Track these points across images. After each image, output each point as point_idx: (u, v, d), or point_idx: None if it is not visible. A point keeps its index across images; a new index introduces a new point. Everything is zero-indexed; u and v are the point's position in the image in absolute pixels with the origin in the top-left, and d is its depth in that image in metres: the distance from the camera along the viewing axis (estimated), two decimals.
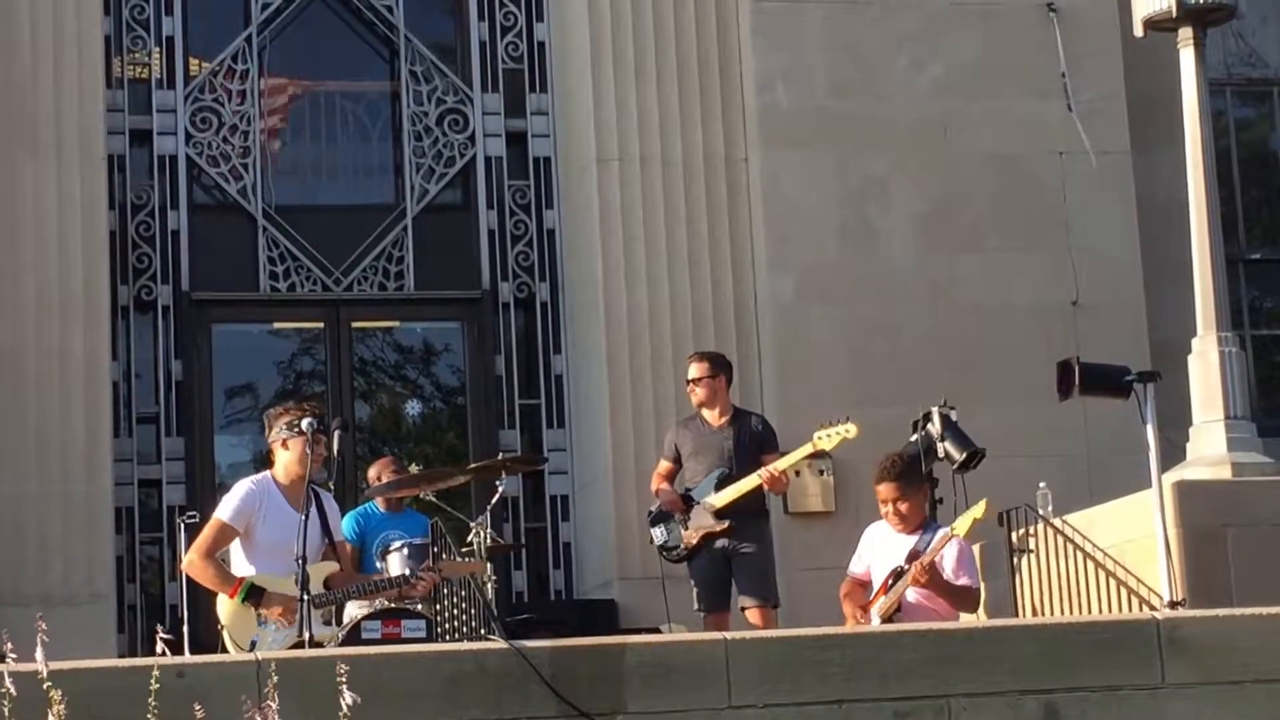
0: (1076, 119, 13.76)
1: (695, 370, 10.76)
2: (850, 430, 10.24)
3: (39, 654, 5.78)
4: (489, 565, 9.71)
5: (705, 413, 10.75)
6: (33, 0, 13.20)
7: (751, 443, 10.60)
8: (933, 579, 9.02)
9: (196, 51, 14.22)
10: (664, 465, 10.88)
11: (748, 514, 10.51)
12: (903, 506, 9.38)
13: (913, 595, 9.26)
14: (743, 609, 10.47)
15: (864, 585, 9.61)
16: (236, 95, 14.10)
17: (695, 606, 10.57)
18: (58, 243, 12.97)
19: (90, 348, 12.92)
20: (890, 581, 9.32)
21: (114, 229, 13.53)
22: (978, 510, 9.27)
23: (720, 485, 10.48)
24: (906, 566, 9.32)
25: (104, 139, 13.34)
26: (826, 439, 10.32)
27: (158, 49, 14.05)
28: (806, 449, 10.42)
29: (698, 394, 10.72)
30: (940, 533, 9.36)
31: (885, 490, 9.39)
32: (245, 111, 14.08)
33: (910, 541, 9.41)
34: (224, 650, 8.25)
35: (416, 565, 9.06)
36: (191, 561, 8.53)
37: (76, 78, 13.21)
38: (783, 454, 10.67)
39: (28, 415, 12.73)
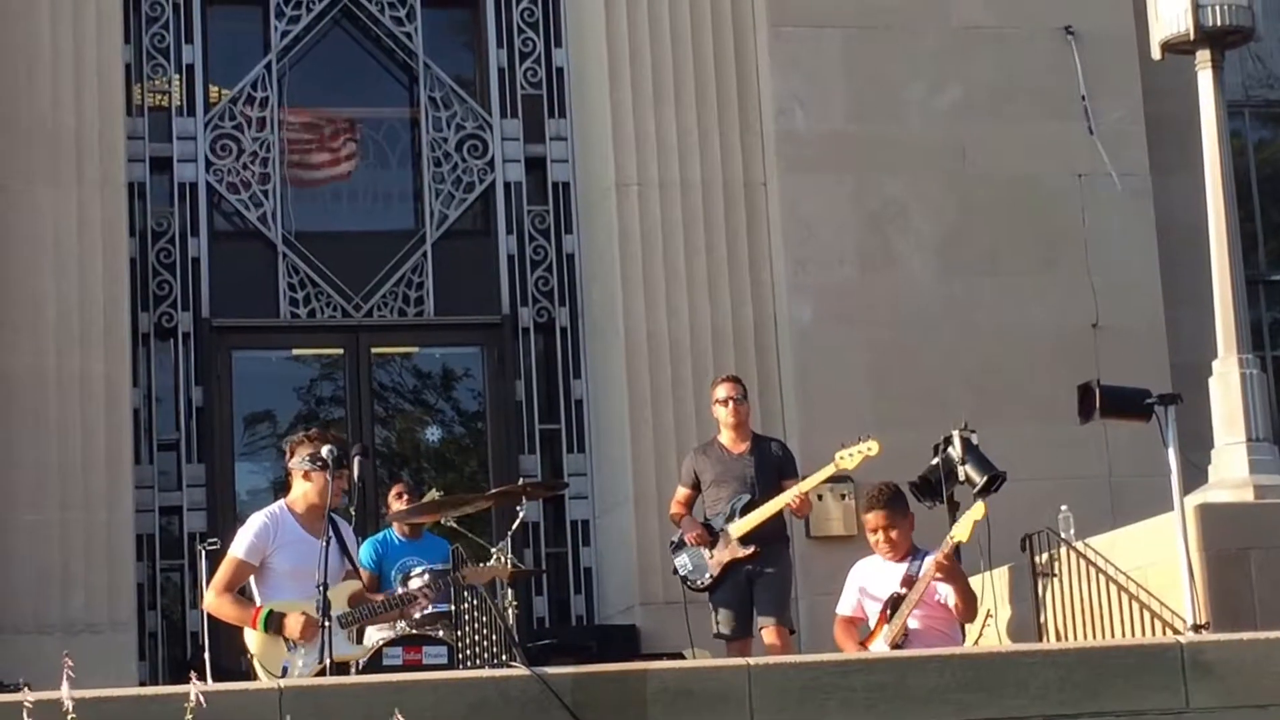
0: (1098, 141, 13.76)
1: (730, 390, 10.70)
2: (872, 448, 10.23)
3: (64, 687, 5.78)
4: (510, 589, 9.71)
5: (725, 438, 10.71)
6: (54, 28, 13.26)
7: (773, 468, 10.62)
8: (953, 571, 9.07)
9: (216, 79, 14.27)
10: (682, 492, 10.81)
11: (770, 539, 10.52)
12: (893, 534, 9.48)
13: (916, 621, 9.29)
14: (760, 628, 10.41)
15: (856, 624, 9.63)
16: (256, 122, 14.14)
17: (715, 631, 10.54)
18: (78, 270, 13.01)
19: (111, 374, 12.95)
20: (889, 610, 9.34)
21: (134, 256, 13.57)
22: (976, 512, 9.34)
23: (744, 512, 10.46)
24: (904, 592, 9.34)
25: (124, 166, 13.39)
26: (849, 458, 10.31)
27: (178, 76, 14.10)
28: (829, 470, 10.43)
29: (739, 413, 10.62)
30: (933, 555, 9.39)
31: (874, 518, 9.51)
32: (265, 138, 14.13)
33: (901, 569, 9.45)
34: (254, 679, 8.26)
35: (436, 590, 9.07)
36: (210, 601, 8.61)
37: (97, 105, 13.26)
38: (803, 478, 10.66)
39: (49, 442, 12.76)
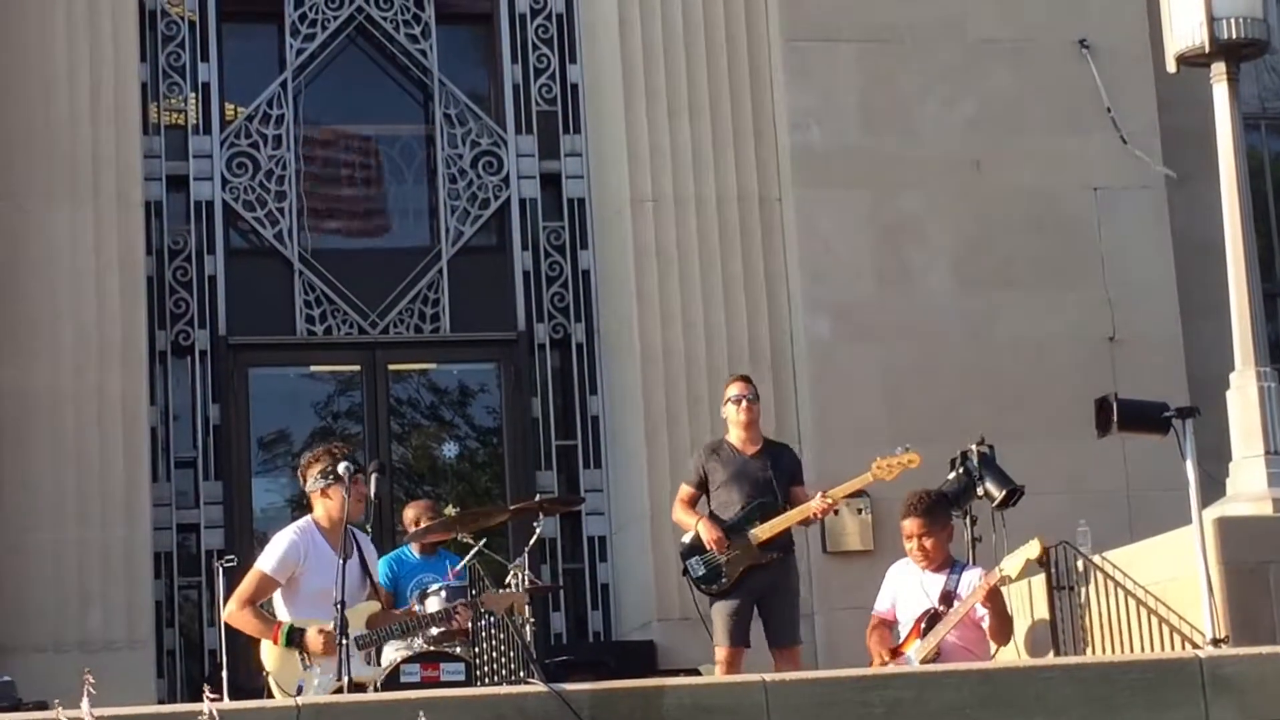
0: (1133, 147, 13.75)
1: (743, 389, 10.40)
2: (913, 460, 10.05)
3: (85, 705, 5.79)
4: (528, 606, 9.70)
5: (736, 438, 10.39)
6: (70, 47, 13.30)
7: (786, 473, 10.35)
8: (996, 598, 9.03)
9: (232, 97, 14.31)
10: (688, 491, 10.37)
11: (784, 547, 10.28)
12: (927, 542, 9.42)
13: (950, 637, 9.25)
14: (779, 647, 10.20)
15: (889, 624, 9.58)
16: (272, 140, 14.17)
17: (716, 641, 10.19)
18: (95, 288, 13.05)
19: (128, 392, 12.98)
20: (924, 624, 9.30)
21: (151, 274, 13.60)
22: (1031, 549, 9.21)
23: (765, 516, 10.28)
24: (940, 608, 9.30)
25: (141, 185, 13.43)
26: (887, 469, 10.13)
27: (194, 95, 14.14)
28: (865, 478, 10.20)
29: (751, 412, 10.31)
30: (971, 573, 9.35)
31: (911, 525, 9.44)
32: (281, 156, 14.16)
33: (939, 581, 9.40)
34: (269, 697, 8.25)
35: (463, 619, 9.04)
36: (232, 612, 8.57)
37: (113, 124, 13.30)
38: (805, 486, 10.49)
39: (67, 461, 12.78)
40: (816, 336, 13.50)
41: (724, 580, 10.15)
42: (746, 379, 10.62)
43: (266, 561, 8.61)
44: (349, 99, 14.64)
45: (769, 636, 10.19)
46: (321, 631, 8.31)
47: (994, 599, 9.23)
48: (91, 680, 5.78)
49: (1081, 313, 13.71)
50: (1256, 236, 10.95)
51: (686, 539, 10.33)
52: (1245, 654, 7.87)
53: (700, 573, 10.20)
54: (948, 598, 9.32)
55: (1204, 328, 13.36)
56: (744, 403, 10.38)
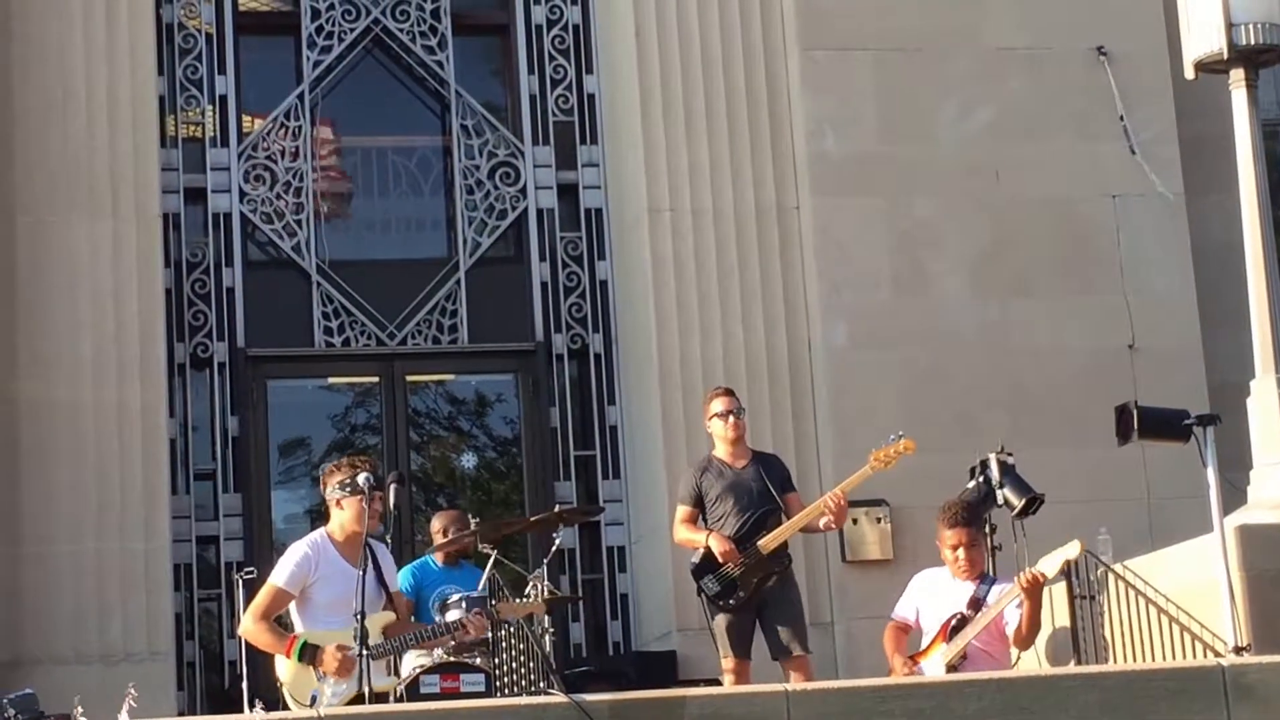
0: (1141, 160, 13.73)
1: (729, 403, 10.26)
2: (909, 446, 9.97)
3: (124, 715, 5.78)
4: (547, 616, 9.69)
5: (723, 453, 10.27)
6: (88, 61, 13.34)
7: (776, 481, 10.25)
8: (1036, 594, 8.93)
9: (249, 109, 14.34)
10: (687, 510, 10.22)
11: (785, 556, 10.17)
12: (974, 553, 9.34)
13: (975, 642, 9.21)
14: (792, 656, 10.02)
15: (906, 630, 9.52)
16: (290, 152, 14.20)
17: (724, 655, 10.07)
18: (114, 301, 13.07)
19: (147, 405, 13.00)
20: (951, 628, 9.25)
21: (170, 287, 13.62)
22: (1070, 550, 9.11)
23: (770, 525, 10.09)
24: (969, 614, 9.25)
25: (159, 197, 13.45)
26: (884, 459, 10.01)
27: (211, 107, 14.17)
28: (864, 471, 10.06)
29: (739, 427, 10.20)
30: (1002, 585, 9.30)
31: (957, 535, 9.29)
32: (298, 168, 14.18)
33: (968, 589, 9.35)
34: (285, 709, 8.26)
35: (477, 628, 9.02)
36: (246, 627, 8.59)
37: (131, 137, 13.32)
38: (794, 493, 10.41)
39: (86, 473, 12.80)
40: (834, 345, 13.49)
41: (741, 594, 10.05)
42: (730, 392, 10.49)
43: (279, 575, 8.63)
44: (366, 110, 14.66)
45: (778, 648, 10.07)
46: (340, 648, 8.29)
47: (1034, 595, 9.04)
48: (134, 693, 5.76)
49: (1100, 320, 13.68)
50: (1276, 243, 10.92)
51: (696, 558, 10.20)
52: (1268, 662, 7.85)
53: (715, 589, 10.10)
54: (976, 604, 9.25)
55: (1224, 335, 13.34)
56: (731, 418, 10.25)
